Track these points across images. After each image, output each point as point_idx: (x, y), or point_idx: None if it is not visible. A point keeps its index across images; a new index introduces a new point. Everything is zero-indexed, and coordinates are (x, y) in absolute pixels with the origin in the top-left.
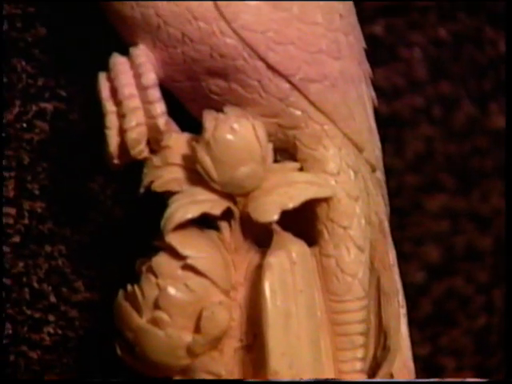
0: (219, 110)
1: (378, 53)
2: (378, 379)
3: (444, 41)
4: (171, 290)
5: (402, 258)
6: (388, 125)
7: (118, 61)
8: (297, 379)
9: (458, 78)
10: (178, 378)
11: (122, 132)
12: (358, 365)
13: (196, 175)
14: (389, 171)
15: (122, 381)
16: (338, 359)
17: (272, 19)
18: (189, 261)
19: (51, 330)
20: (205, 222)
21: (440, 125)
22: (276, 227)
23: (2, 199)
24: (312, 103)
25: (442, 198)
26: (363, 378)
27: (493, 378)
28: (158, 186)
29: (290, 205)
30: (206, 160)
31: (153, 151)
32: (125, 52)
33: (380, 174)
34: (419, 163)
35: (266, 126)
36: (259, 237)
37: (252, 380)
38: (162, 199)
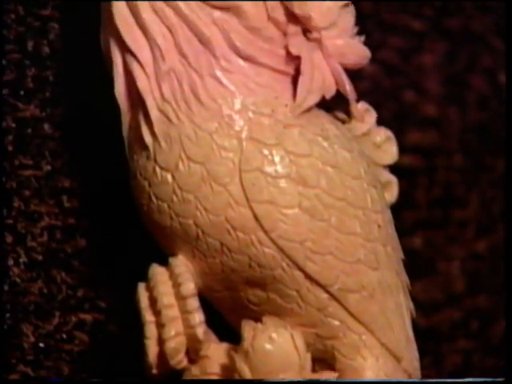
0: (257, 319)
1: (416, 266)
2: (378, 379)
3: (482, 255)
4: None
5: None
6: (426, 338)
7: (157, 271)
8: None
9: (496, 291)
10: None
11: (161, 342)
12: None
13: None
14: None
15: (122, 381)
16: None
17: (310, 229)
18: None
19: None
20: None
21: (477, 339)
22: None
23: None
24: (350, 313)
25: None
26: None
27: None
28: None
29: None
30: (245, 369)
31: (192, 361)
32: (164, 262)
33: None
34: (457, 376)
35: (305, 336)
36: None
37: (252, 380)
38: None
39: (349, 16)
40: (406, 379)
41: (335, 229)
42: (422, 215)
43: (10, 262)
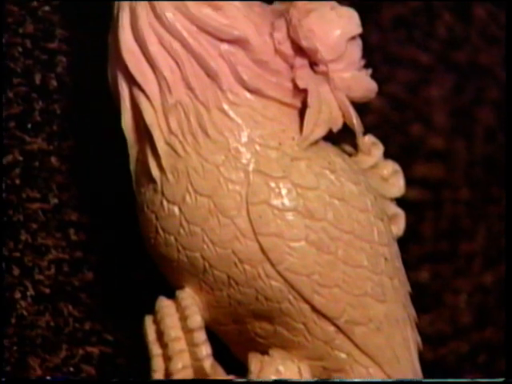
0: (264, 352)
1: (423, 299)
2: (377, 379)
3: (489, 288)
4: None
5: None
6: (433, 371)
7: (164, 304)
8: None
9: (502, 324)
10: None
11: (169, 375)
12: None
13: None
14: None
15: (122, 381)
16: None
17: (317, 262)
18: None
19: None
20: None
21: (484, 372)
22: None
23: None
24: (357, 346)
25: None
26: None
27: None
28: None
29: None
30: None
31: None
32: (171, 295)
33: None
34: None
35: (312, 369)
36: None
37: (251, 380)
38: None
39: (356, 49)
40: (405, 379)
41: (342, 262)
42: (429, 248)
43: (17, 295)
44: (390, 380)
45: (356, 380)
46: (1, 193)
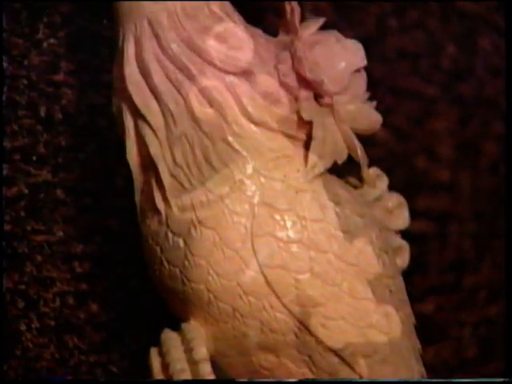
0: None
1: (428, 331)
2: (377, 379)
3: (494, 320)
4: None
5: None
6: None
7: (169, 336)
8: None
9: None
10: None
11: None
12: None
13: None
14: None
15: (122, 381)
16: None
17: (322, 294)
18: None
19: None
20: None
21: None
22: None
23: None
24: (362, 378)
25: None
26: None
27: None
28: None
29: None
30: None
31: None
32: (176, 327)
33: None
34: None
35: None
36: None
37: (252, 380)
38: None
39: (360, 81)
40: (406, 379)
41: (347, 294)
42: (434, 280)
43: (22, 327)
44: (390, 380)
45: (356, 380)
46: (2, 224)
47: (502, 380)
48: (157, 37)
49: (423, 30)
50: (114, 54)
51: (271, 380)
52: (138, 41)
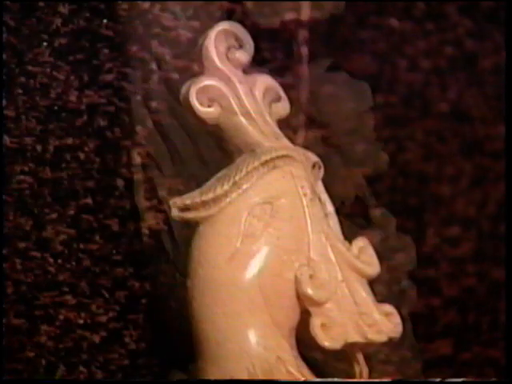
0: None
1: None
2: (377, 379)
3: None
4: None
5: None
6: None
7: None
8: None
9: None
10: None
11: None
12: None
13: None
14: None
15: (121, 381)
16: None
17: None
18: None
19: None
20: None
21: None
22: None
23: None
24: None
25: None
26: None
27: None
28: None
29: None
30: None
31: None
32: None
33: None
34: None
35: None
36: None
37: (254, 380)
38: None
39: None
40: (404, 379)
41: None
42: None
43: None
44: (390, 380)
45: (356, 380)
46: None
47: (502, 380)
48: None
49: None
50: None
51: (271, 380)
52: None
